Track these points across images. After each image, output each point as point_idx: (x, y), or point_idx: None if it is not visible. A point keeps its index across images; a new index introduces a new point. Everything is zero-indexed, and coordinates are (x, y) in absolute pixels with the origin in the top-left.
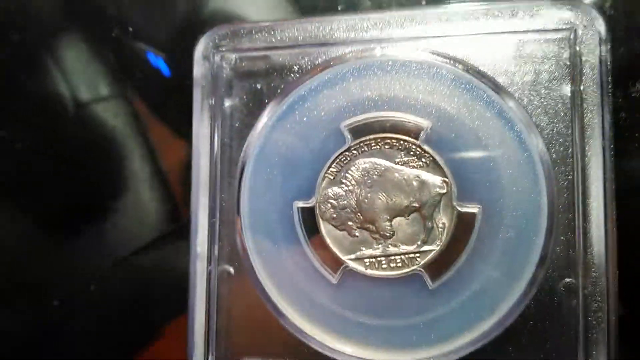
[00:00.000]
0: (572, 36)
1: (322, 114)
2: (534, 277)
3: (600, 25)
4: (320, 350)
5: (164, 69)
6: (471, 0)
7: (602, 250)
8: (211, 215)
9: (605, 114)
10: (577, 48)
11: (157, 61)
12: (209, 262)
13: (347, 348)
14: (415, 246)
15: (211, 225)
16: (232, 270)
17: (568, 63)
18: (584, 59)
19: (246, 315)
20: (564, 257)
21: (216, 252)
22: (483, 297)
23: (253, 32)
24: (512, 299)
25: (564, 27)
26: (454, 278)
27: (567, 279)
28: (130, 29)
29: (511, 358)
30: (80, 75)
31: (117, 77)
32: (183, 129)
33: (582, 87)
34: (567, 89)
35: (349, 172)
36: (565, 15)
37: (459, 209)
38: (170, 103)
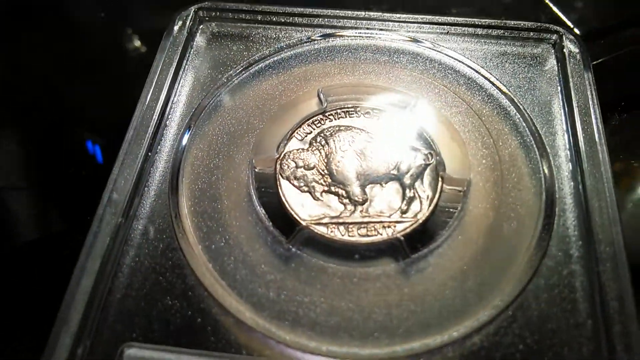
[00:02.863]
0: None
1: (299, 79)
2: (534, 260)
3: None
4: (253, 338)
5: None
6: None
7: (608, 231)
8: (142, 159)
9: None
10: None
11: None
12: (124, 214)
13: (292, 337)
14: (392, 215)
15: (140, 170)
16: (151, 229)
17: (554, 66)
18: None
19: (156, 282)
20: (568, 238)
21: (137, 203)
22: (474, 279)
23: (235, 8)
24: (508, 283)
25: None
26: (438, 252)
27: (573, 265)
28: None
29: (504, 350)
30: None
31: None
32: None
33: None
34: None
35: (321, 134)
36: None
37: (446, 181)
38: None
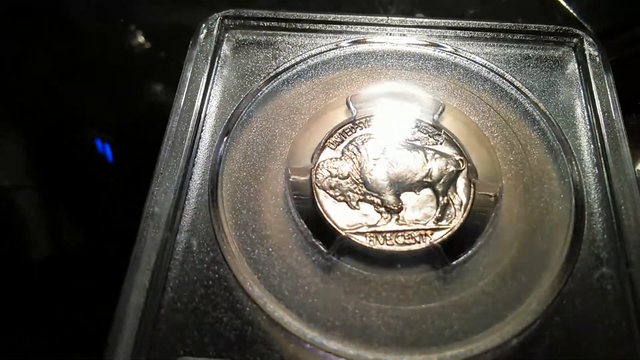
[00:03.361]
0: (576, 48)
1: (327, 87)
2: (567, 263)
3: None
4: (302, 349)
5: (109, 155)
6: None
7: (637, 233)
8: (180, 172)
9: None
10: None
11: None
12: (168, 228)
13: (340, 347)
14: (427, 223)
15: (179, 183)
16: (194, 243)
17: (575, 70)
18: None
19: (205, 295)
20: (599, 241)
21: (179, 216)
22: (510, 282)
23: (262, 15)
24: (543, 286)
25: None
26: (475, 258)
27: (605, 268)
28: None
29: (543, 353)
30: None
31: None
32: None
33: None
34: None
35: (353, 143)
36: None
37: (478, 187)
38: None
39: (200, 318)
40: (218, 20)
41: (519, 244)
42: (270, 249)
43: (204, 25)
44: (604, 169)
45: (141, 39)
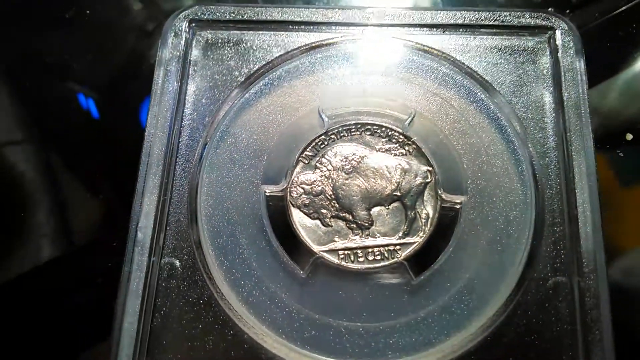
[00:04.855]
0: (550, 39)
1: (298, 96)
2: (524, 273)
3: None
4: None
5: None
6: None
7: (591, 245)
8: (160, 196)
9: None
10: (555, 50)
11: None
12: (152, 252)
13: (316, 357)
14: (395, 238)
15: (160, 208)
16: (177, 263)
17: (547, 64)
18: (560, 57)
19: (191, 319)
20: (554, 251)
21: (161, 240)
22: (470, 295)
23: (229, 13)
24: (500, 296)
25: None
26: (439, 273)
27: (559, 277)
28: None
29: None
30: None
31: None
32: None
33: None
34: (545, 85)
35: (326, 156)
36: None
37: (444, 199)
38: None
39: (190, 340)
40: (185, 23)
41: (480, 255)
42: (248, 271)
43: (170, 28)
44: (565, 180)
45: None
